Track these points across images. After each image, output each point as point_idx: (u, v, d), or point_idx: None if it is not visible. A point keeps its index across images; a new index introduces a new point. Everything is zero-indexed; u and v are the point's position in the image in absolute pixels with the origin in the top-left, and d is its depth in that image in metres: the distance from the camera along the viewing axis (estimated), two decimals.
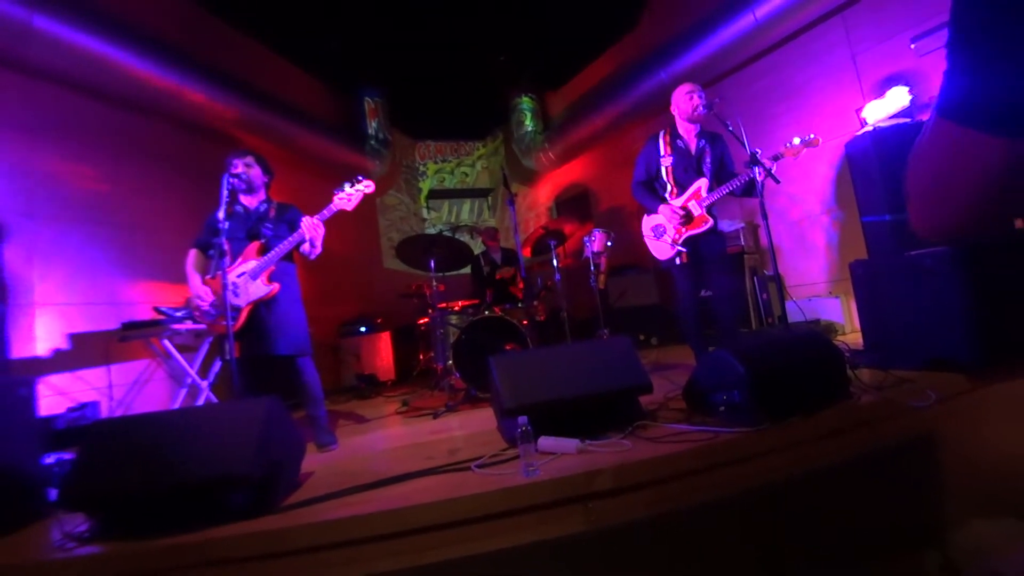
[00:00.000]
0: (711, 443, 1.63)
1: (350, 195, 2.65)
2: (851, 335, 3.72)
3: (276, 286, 2.52)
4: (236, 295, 2.47)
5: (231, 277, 2.46)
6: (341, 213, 2.69)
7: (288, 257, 2.61)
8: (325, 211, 2.60)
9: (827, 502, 1.65)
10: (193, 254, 2.65)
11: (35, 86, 3.36)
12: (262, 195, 2.74)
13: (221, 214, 2.36)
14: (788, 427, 1.68)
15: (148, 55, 3.74)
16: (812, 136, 2.62)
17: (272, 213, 2.67)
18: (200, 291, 2.50)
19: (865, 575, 1.67)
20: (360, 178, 2.72)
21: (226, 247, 2.35)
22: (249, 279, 2.50)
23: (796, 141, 2.64)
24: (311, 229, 2.50)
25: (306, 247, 2.55)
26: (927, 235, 0.58)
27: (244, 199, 2.69)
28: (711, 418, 1.86)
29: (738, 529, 1.58)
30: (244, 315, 2.48)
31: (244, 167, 2.63)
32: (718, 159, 2.96)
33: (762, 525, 1.60)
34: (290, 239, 2.51)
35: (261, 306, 2.53)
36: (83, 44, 3.35)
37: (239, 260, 2.53)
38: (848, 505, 1.67)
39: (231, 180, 2.50)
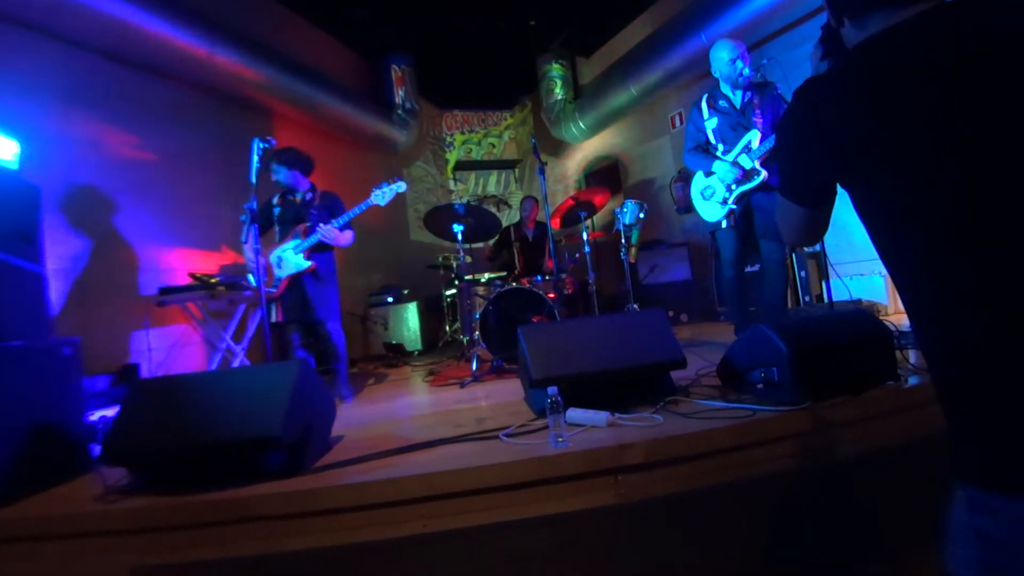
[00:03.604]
0: (747, 421, 1.57)
1: (384, 193, 3.04)
2: (895, 315, 3.56)
3: (313, 263, 2.94)
4: (280, 267, 2.95)
5: (277, 252, 2.96)
6: (371, 187, 3.07)
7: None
8: (355, 209, 2.98)
9: (869, 488, 1.59)
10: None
11: (73, 54, 3.39)
12: (306, 184, 3.13)
13: (276, 200, 3.05)
14: (830, 407, 1.61)
15: (179, 21, 3.72)
16: None
17: (316, 200, 3.07)
18: (252, 259, 2.84)
19: (905, 566, 1.61)
20: (397, 178, 3.12)
21: (276, 227, 3.03)
22: (293, 253, 2.94)
23: None
24: (326, 235, 2.89)
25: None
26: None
27: (290, 194, 3.13)
28: (747, 396, 1.80)
29: (772, 511, 1.53)
30: (284, 284, 2.95)
31: (274, 174, 3.03)
32: (769, 110, 2.73)
33: (798, 509, 1.55)
34: (314, 237, 2.91)
35: (305, 277, 2.95)
36: (115, 12, 3.34)
37: (287, 238, 2.99)
38: (891, 492, 1.60)
39: (275, 180, 3.03)
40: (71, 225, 3.28)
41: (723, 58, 2.75)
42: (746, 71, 2.68)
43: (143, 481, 1.61)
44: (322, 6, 5.47)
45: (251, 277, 3.06)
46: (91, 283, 3.33)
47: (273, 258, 2.97)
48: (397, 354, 5.19)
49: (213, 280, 3.55)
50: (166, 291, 3.45)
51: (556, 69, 6.84)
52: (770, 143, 2.61)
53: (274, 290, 2.93)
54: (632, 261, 3.82)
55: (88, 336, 3.20)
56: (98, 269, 3.39)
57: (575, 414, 1.71)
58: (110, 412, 2.36)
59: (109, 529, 1.46)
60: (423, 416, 2.39)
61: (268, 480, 1.51)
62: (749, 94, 2.77)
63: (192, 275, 3.60)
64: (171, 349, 3.76)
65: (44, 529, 1.49)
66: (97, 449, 1.94)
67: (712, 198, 2.85)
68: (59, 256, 3.14)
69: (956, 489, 0.67)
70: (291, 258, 2.92)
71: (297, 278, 2.94)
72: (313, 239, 2.91)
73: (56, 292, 3.04)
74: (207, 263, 4.10)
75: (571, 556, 1.43)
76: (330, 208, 3.01)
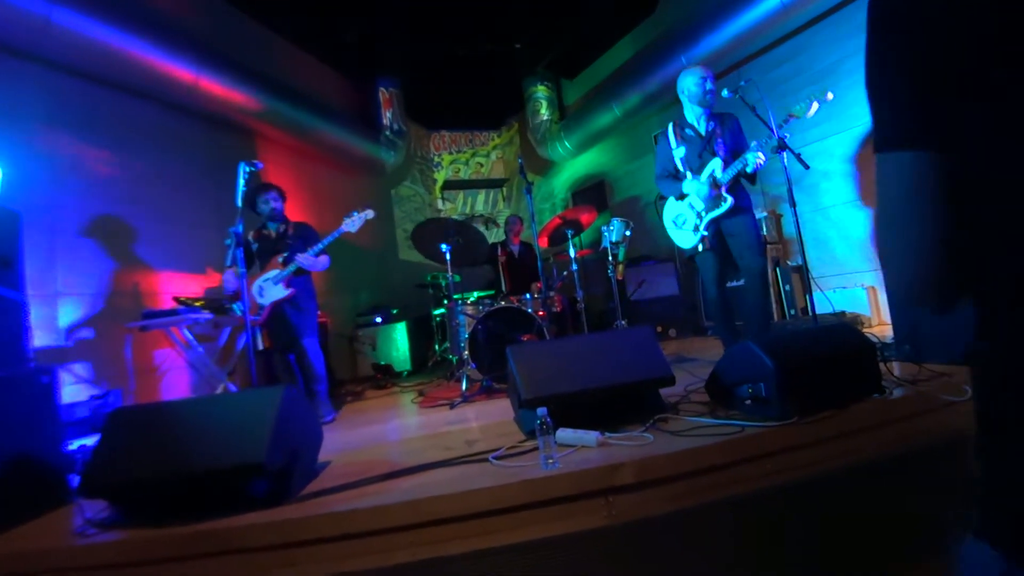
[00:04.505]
0: (736, 437, 1.57)
1: (354, 220, 3.23)
2: (877, 327, 3.62)
3: (293, 290, 3.14)
4: (262, 296, 3.12)
5: (258, 282, 3.13)
6: (358, 208, 3.25)
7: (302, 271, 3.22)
8: (328, 237, 3.16)
9: (858, 501, 1.60)
10: (229, 273, 3.17)
11: (56, 78, 3.38)
12: (280, 218, 3.36)
13: (252, 235, 3.22)
14: (817, 422, 1.62)
15: (165, 46, 3.74)
16: (826, 93, 2.49)
17: (290, 231, 3.30)
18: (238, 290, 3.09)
19: None
20: (366, 207, 3.31)
21: (256, 261, 3.21)
22: (272, 284, 3.12)
23: (808, 105, 2.52)
24: (304, 262, 3.11)
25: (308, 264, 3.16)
26: (915, 295, 0.56)
27: (264, 228, 3.31)
28: (736, 412, 1.81)
29: (763, 527, 1.53)
30: (268, 311, 3.12)
31: (273, 202, 3.26)
32: (730, 139, 2.88)
33: (790, 523, 1.54)
34: (292, 266, 3.11)
35: (286, 304, 3.14)
36: (101, 38, 3.36)
37: (267, 269, 3.16)
38: (880, 504, 1.61)
39: (264, 208, 3.23)
40: (53, 247, 3.23)
41: (692, 80, 2.87)
42: (723, 91, 2.76)
43: (124, 513, 1.57)
44: (310, 30, 5.54)
45: (236, 307, 3.25)
46: (73, 306, 3.27)
47: (255, 288, 3.13)
48: (386, 375, 5.14)
49: (198, 303, 3.51)
50: (150, 315, 3.40)
51: (542, 90, 6.96)
52: (733, 171, 2.71)
53: (258, 317, 3.11)
54: (619, 278, 3.85)
55: (68, 361, 3.15)
56: (80, 293, 3.33)
57: (565, 434, 1.70)
58: (90, 441, 2.30)
59: (88, 564, 1.41)
60: (412, 439, 2.36)
61: (253, 509, 1.48)
62: (713, 123, 2.90)
63: (176, 299, 3.55)
64: (153, 374, 3.69)
65: (21, 566, 1.44)
66: (76, 480, 1.89)
67: (684, 226, 2.95)
68: (42, 280, 3.09)
69: (986, 550, 0.52)
70: (271, 287, 3.12)
71: (279, 305, 3.13)
72: (291, 268, 3.12)
73: (36, 318, 2.98)
74: (192, 286, 4.05)
75: None
76: (304, 237, 3.26)
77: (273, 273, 3.13)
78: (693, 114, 2.96)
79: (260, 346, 3.19)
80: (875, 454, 1.63)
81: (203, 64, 4.01)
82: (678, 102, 3.06)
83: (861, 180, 3.93)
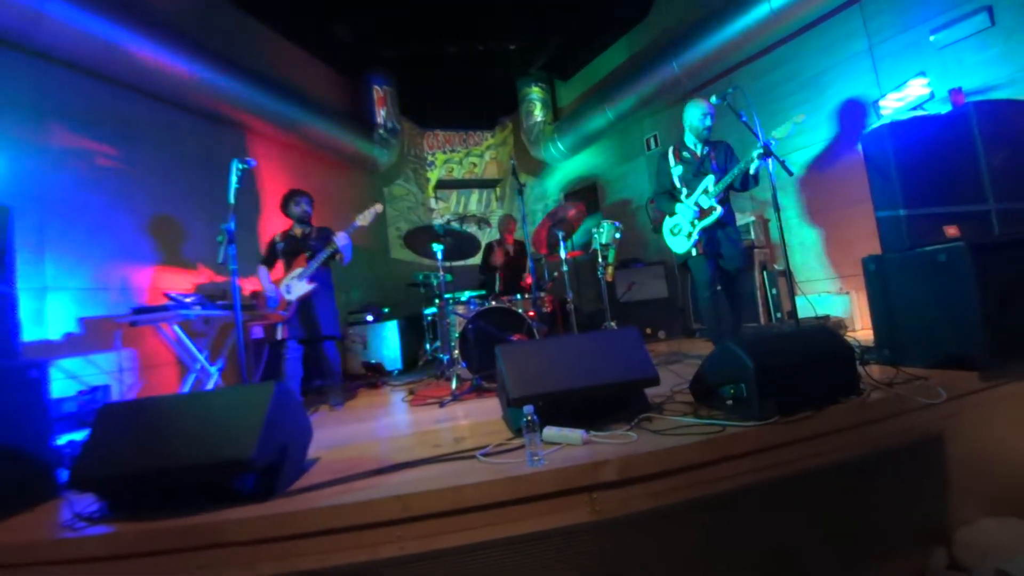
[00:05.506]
0: (717, 436, 1.61)
1: (366, 215, 3.46)
2: (860, 332, 3.69)
3: (316, 284, 3.36)
4: (289, 291, 3.34)
5: (285, 281, 3.37)
6: (351, 206, 3.39)
7: (325, 264, 3.45)
8: (350, 228, 3.42)
9: (834, 499, 1.64)
10: (262, 270, 3.48)
11: (46, 68, 3.36)
12: (308, 221, 3.62)
13: (279, 236, 3.53)
14: (796, 422, 1.66)
15: (157, 41, 3.73)
16: (796, 114, 2.73)
17: (313, 234, 3.55)
18: (269, 289, 3.39)
19: (872, 573, 1.66)
20: (376, 202, 3.57)
21: (282, 260, 3.49)
22: (297, 280, 3.34)
23: (787, 125, 2.73)
24: (341, 242, 3.35)
25: (339, 256, 3.41)
26: None
27: (291, 231, 3.55)
28: (718, 412, 1.85)
29: (743, 523, 1.57)
30: (295, 307, 3.33)
31: (306, 206, 3.55)
32: (723, 160, 3.22)
33: (768, 520, 1.59)
34: (326, 250, 3.37)
35: (312, 297, 3.35)
36: (93, 31, 3.35)
37: (293, 268, 3.38)
38: (855, 502, 1.66)
39: (296, 211, 3.53)
40: (41, 241, 3.21)
41: (696, 113, 3.22)
42: (712, 98, 2.98)
43: (112, 507, 1.58)
44: (305, 27, 5.53)
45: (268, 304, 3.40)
46: (62, 301, 3.26)
47: (283, 287, 3.36)
48: (376, 373, 5.14)
49: (189, 299, 3.50)
50: (140, 311, 3.39)
51: (536, 91, 6.99)
52: (724, 184, 3.03)
53: (286, 313, 3.34)
54: (609, 280, 3.90)
55: (57, 356, 3.14)
56: (70, 287, 3.32)
57: (551, 432, 1.73)
58: (79, 436, 2.30)
59: (77, 557, 1.42)
60: (402, 437, 2.38)
61: (241, 504, 1.49)
62: (708, 147, 3.27)
63: (167, 295, 3.54)
64: (143, 370, 3.67)
65: (9, 558, 1.44)
66: (65, 474, 1.89)
67: (680, 234, 3.28)
68: (31, 273, 3.08)
69: None
70: (296, 284, 3.34)
71: (305, 299, 3.36)
72: (313, 265, 3.35)
73: (25, 312, 2.96)
74: (183, 281, 4.04)
75: (548, 574, 1.44)
76: (325, 239, 3.47)
77: (299, 271, 3.37)
78: (691, 140, 3.30)
79: (279, 336, 3.38)
80: (852, 454, 1.68)
81: (196, 58, 4.00)
82: (668, 107, 3.18)
83: (848, 187, 3.97)
